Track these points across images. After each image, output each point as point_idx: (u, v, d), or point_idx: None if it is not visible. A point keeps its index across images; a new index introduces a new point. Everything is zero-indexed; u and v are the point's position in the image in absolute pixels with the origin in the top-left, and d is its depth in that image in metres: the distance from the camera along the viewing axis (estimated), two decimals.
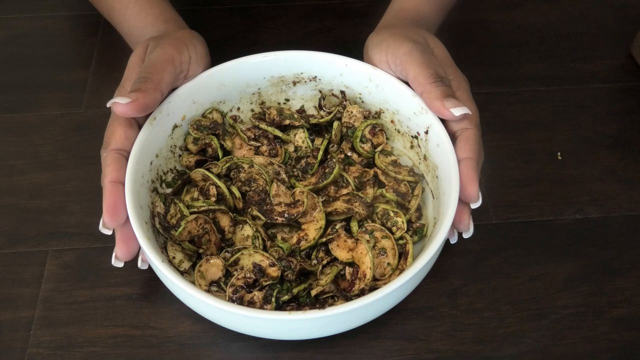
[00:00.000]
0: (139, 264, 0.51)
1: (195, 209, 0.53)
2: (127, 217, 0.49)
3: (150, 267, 0.51)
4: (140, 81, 0.52)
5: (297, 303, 0.50)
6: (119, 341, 0.52)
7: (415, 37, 0.56)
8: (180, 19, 0.63)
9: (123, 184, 0.49)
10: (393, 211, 0.54)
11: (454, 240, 0.53)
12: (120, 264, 0.50)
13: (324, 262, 0.51)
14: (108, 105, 0.51)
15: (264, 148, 0.59)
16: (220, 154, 0.58)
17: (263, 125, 0.60)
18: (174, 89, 0.56)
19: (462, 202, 0.50)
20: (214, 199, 0.54)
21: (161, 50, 0.55)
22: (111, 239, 0.57)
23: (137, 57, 0.56)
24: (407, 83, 0.56)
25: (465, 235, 0.52)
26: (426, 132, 0.55)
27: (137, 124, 0.53)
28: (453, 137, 0.53)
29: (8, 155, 0.64)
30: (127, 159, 0.51)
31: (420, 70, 0.53)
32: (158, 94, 0.52)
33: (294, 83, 0.62)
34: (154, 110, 0.53)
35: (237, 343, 0.52)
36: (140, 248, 0.50)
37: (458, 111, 0.51)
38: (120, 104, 0.50)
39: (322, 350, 0.51)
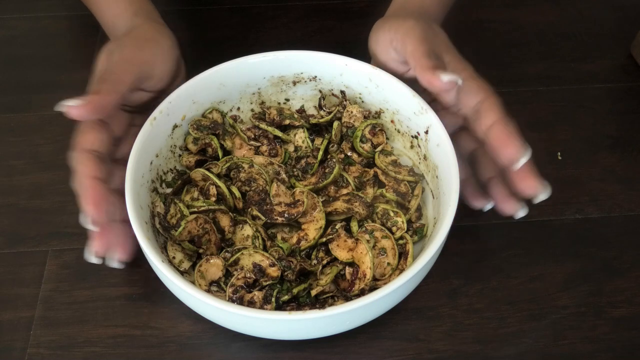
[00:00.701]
0: (115, 266, 0.50)
1: (195, 209, 0.53)
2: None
3: (149, 267, 0.51)
4: (96, 83, 0.51)
5: (297, 303, 0.50)
6: (119, 341, 0.52)
7: (419, 18, 0.56)
8: (151, 10, 0.61)
9: (101, 180, 0.49)
10: (393, 211, 0.54)
11: (487, 207, 0.53)
12: (96, 260, 0.50)
13: (324, 262, 0.51)
14: (58, 108, 0.49)
15: (264, 148, 0.59)
16: (220, 154, 0.58)
17: (263, 125, 0.60)
18: (173, 90, 0.56)
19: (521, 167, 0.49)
20: (214, 199, 0.54)
21: (121, 50, 0.53)
22: None
23: (104, 58, 0.54)
24: (406, 83, 0.56)
25: (542, 197, 0.49)
26: (426, 132, 0.55)
27: (109, 126, 0.52)
28: (474, 115, 0.52)
29: (8, 155, 0.64)
30: (100, 159, 0.50)
31: (418, 45, 0.53)
32: (114, 95, 0.50)
33: (294, 83, 0.62)
34: (112, 111, 0.51)
35: (237, 343, 0.52)
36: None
37: (446, 77, 0.50)
38: (72, 106, 0.48)
39: (322, 350, 0.51)
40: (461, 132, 0.56)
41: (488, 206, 0.55)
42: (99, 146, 0.50)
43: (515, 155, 0.48)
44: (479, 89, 0.52)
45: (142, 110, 0.56)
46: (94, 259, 0.50)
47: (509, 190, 0.53)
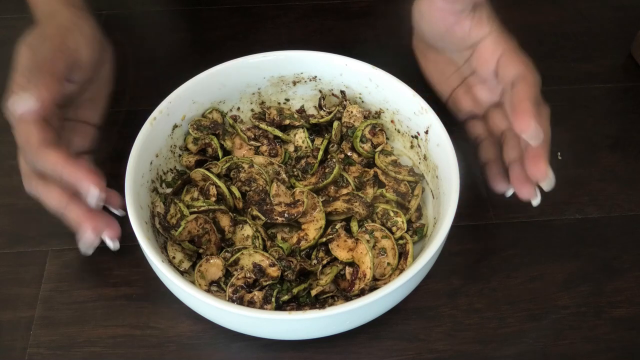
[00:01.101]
0: (111, 245, 0.51)
1: (195, 209, 0.53)
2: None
3: (150, 267, 0.51)
4: (34, 75, 0.49)
5: (297, 303, 0.50)
6: (119, 341, 0.52)
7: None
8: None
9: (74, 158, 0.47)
10: (393, 211, 0.54)
11: (509, 193, 0.53)
12: (118, 246, 0.51)
13: (324, 262, 0.51)
14: (10, 107, 0.47)
15: (264, 148, 0.59)
16: (220, 154, 0.58)
17: (263, 125, 0.60)
18: (175, 89, 0.56)
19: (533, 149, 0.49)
20: (214, 199, 0.54)
21: (48, 41, 0.52)
22: None
23: (28, 50, 0.52)
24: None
25: (547, 188, 0.50)
26: (426, 132, 0.55)
27: (48, 122, 0.50)
28: (509, 87, 0.52)
29: (8, 155, 0.64)
30: (54, 146, 0.48)
31: None
32: (57, 85, 0.49)
33: (294, 83, 0.62)
34: (59, 103, 0.50)
35: (237, 343, 0.52)
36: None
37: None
38: (24, 103, 0.47)
39: (322, 350, 0.51)
40: (496, 109, 0.56)
41: (509, 192, 0.54)
42: (50, 137, 0.48)
43: (526, 127, 0.48)
44: (520, 62, 0.52)
45: (67, 104, 0.55)
46: (91, 250, 0.51)
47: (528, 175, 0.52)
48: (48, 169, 0.48)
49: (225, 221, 0.53)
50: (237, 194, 0.54)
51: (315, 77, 0.61)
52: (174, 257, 0.52)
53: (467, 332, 0.52)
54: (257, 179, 0.55)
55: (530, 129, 0.48)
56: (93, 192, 0.47)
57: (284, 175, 0.57)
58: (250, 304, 0.48)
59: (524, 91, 0.50)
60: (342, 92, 0.61)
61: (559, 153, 0.64)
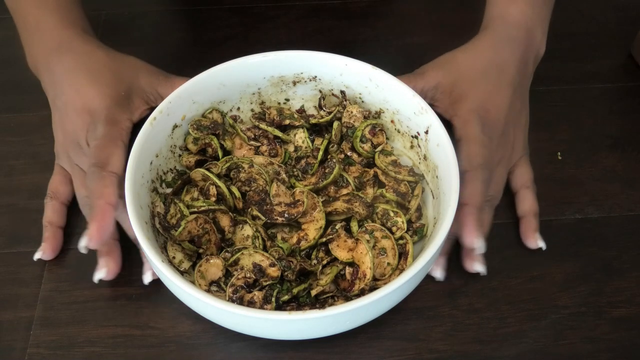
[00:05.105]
0: (145, 279, 0.52)
1: (195, 209, 0.53)
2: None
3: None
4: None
5: (297, 303, 0.50)
6: (119, 341, 0.52)
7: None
8: (84, 22, 0.57)
9: (114, 207, 0.50)
10: (393, 211, 0.54)
11: (440, 276, 0.53)
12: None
13: (324, 262, 0.51)
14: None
15: (264, 148, 0.59)
16: (220, 154, 0.58)
17: (263, 125, 0.60)
18: (174, 90, 0.56)
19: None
20: (214, 199, 0.54)
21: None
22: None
23: (65, 131, 0.56)
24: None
25: (480, 269, 0.54)
26: (426, 132, 0.55)
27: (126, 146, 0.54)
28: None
29: (8, 155, 0.64)
30: (120, 183, 0.51)
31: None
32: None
33: (294, 83, 0.62)
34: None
35: (237, 343, 0.52)
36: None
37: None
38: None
39: (322, 350, 0.51)
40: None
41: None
42: (122, 170, 0.51)
43: (469, 244, 0.51)
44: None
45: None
46: (88, 243, 0.50)
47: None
48: (98, 186, 0.51)
49: (225, 221, 0.53)
50: (237, 194, 0.54)
51: (315, 77, 0.61)
52: (174, 257, 0.52)
53: (467, 332, 0.52)
54: (257, 179, 0.55)
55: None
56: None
57: (284, 175, 0.57)
58: (250, 304, 0.48)
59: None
60: (342, 92, 0.61)
61: (559, 153, 0.64)
